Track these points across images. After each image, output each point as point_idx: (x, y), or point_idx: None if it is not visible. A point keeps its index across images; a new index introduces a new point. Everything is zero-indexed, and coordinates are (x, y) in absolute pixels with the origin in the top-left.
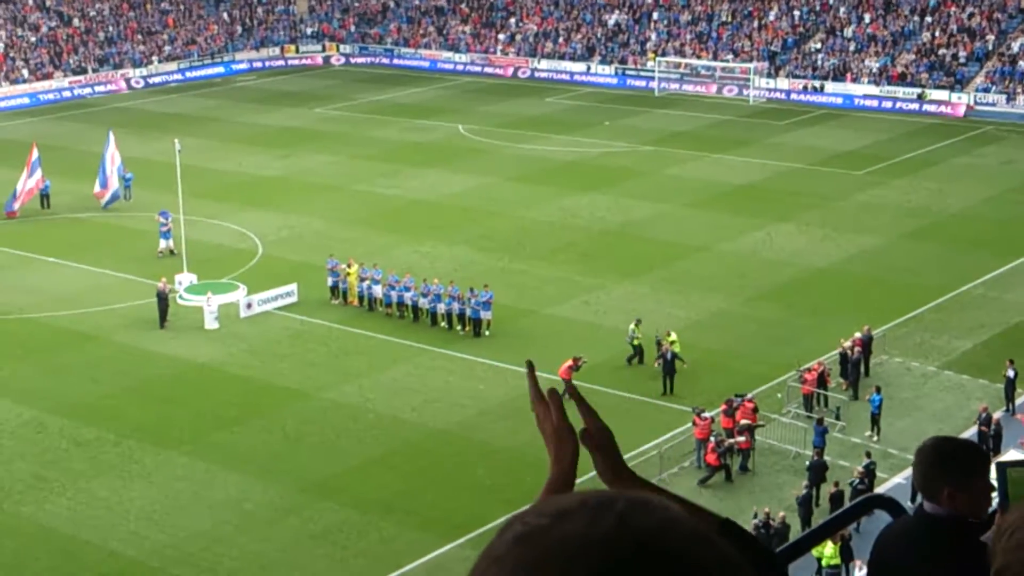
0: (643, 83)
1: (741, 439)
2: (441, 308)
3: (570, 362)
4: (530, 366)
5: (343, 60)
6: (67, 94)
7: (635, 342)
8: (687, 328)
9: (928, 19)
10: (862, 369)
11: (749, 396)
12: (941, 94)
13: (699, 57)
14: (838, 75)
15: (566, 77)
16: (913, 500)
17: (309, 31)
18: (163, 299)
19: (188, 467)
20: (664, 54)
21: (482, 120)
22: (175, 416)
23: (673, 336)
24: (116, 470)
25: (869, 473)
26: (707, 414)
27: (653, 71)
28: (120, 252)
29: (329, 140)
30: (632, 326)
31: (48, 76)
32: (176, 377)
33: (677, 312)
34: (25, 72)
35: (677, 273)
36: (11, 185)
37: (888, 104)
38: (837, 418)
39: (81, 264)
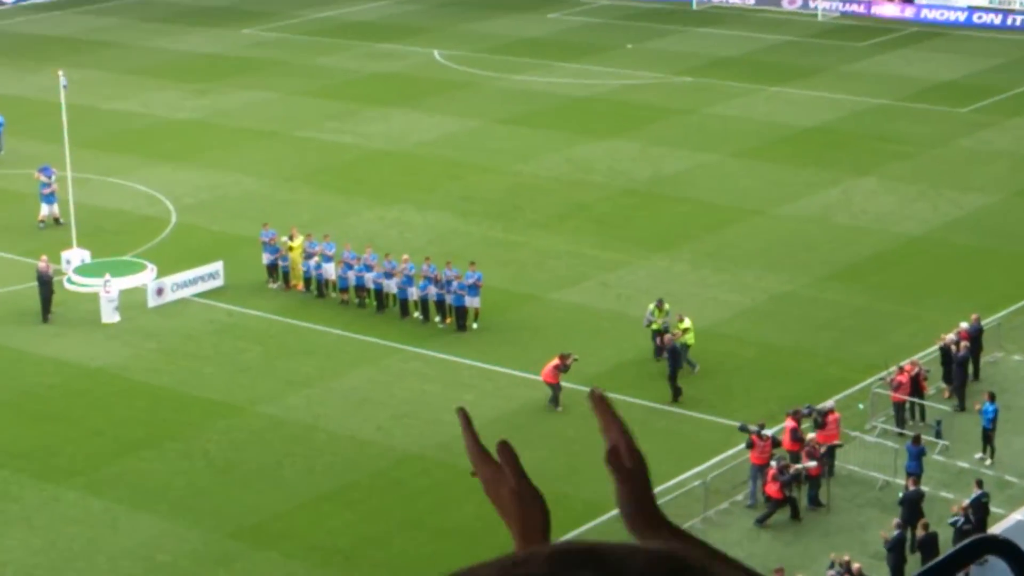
0: None
1: (812, 464)
2: (414, 293)
3: (556, 360)
4: (464, 415)
5: None
6: None
7: (654, 326)
8: (738, 317)
9: None
10: (970, 370)
11: (829, 406)
12: None
13: None
14: None
15: None
16: None
17: None
18: (46, 283)
19: (81, 506)
20: None
21: (464, 43)
22: (63, 438)
23: (687, 323)
24: None
25: (979, 508)
26: (768, 432)
27: None
28: None
29: (262, 71)
30: (652, 307)
31: None
32: (64, 387)
33: (724, 296)
34: None
35: (724, 244)
36: None
37: (999, 19)
38: (938, 435)
39: None
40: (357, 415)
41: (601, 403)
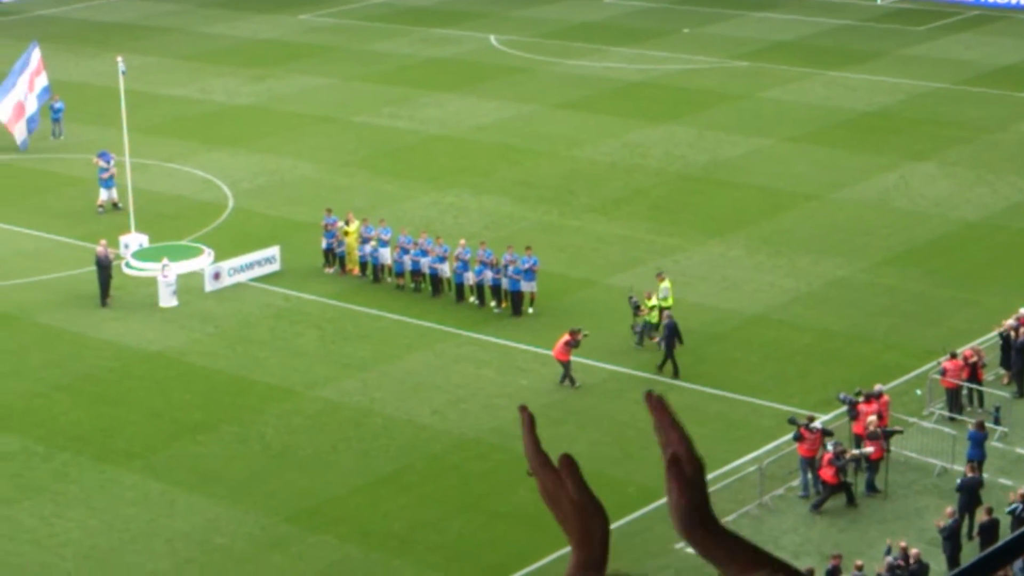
0: None
1: (870, 449)
2: (470, 278)
3: (566, 336)
4: (527, 416)
5: None
6: None
7: (664, 303)
8: (794, 302)
9: None
10: None
11: (879, 389)
12: None
13: None
14: None
15: None
16: None
17: None
18: (104, 268)
19: (140, 488)
20: None
21: (520, 28)
22: (122, 422)
23: (654, 300)
24: (47, 492)
25: None
26: (817, 425)
27: None
28: (48, 205)
29: (318, 57)
30: (664, 284)
31: None
32: (122, 370)
33: (780, 281)
34: None
35: (780, 230)
36: None
37: None
38: (996, 422)
39: None
40: (412, 399)
41: (660, 407)
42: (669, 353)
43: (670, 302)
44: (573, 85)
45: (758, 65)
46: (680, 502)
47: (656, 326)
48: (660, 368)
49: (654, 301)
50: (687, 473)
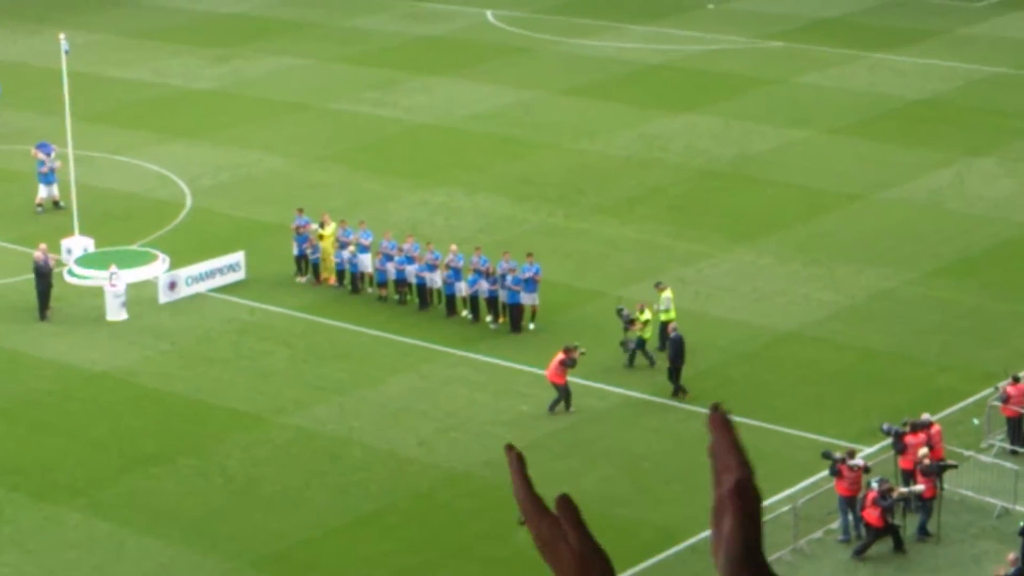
0: None
1: (920, 487)
2: (462, 288)
3: (560, 355)
4: (515, 457)
5: None
6: None
7: (661, 316)
8: (833, 318)
9: None
10: None
11: (928, 419)
12: None
13: None
14: None
15: None
16: None
17: None
18: (44, 275)
19: (84, 529)
20: None
21: (522, 3)
22: (63, 452)
23: (647, 314)
24: None
25: None
26: (858, 461)
27: None
28: None
29: (291, 34)
30: (666, 294)
31: None
32: (64, 393)
33: (817, 293)
34: None
35: (817, 234)
36: None
37: None
38: None
39: None
40: (396, 428)
41: (725, 426)
42: (675, 371)
43: (672, 315)
44: (581, 68)
45: (793, 46)
46: (735, 537)
47: (643, 343)
48: (681, 393)
49: (647, 315)
50: (748, 505)
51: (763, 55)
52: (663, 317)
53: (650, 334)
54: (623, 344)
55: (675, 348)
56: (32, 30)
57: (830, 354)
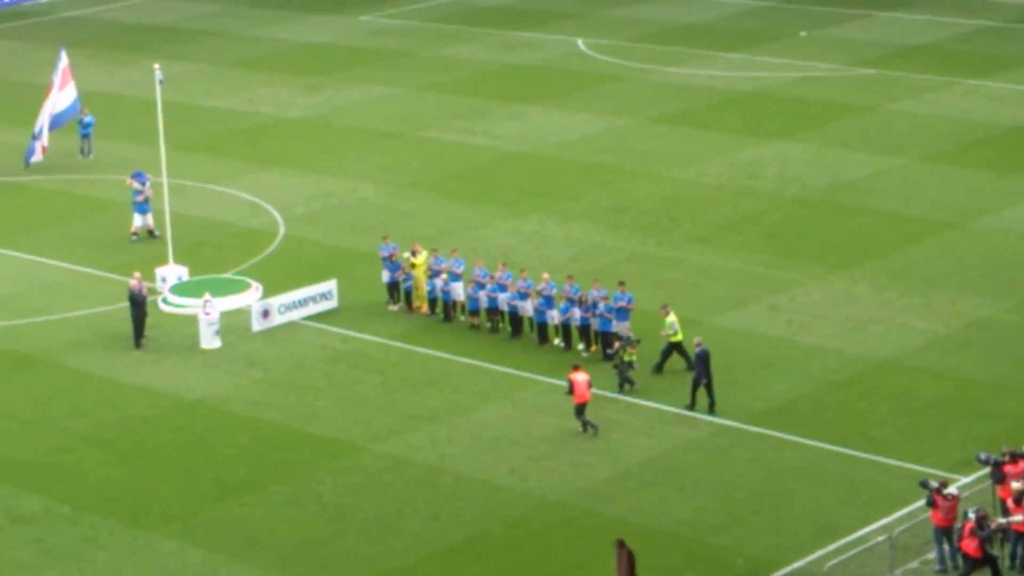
0: None
1: (1018, 517)
2: (554, 317)
3: (586, 375)
4: (627, 557)
5: None
6: None
7: (672, 338)
8: (929, 347)
9: None
10: None
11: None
12: None
13: None
14: None
15: None
16: None
17: None
18: (138, 304)
19: (178, 556)
20: None
21: (613, 31)
22: (158, 480)
23: (672, 318)
24: (73, 559)
25: None
26: (952, 490)
27: None
28: (74, 233)
29: (382, 63)
30: (670, 318)
31: None
32: (159, 421)
33: (913, 322)
34: None
35: (912, 263)
36: None
37: None
38: None
39: (17, 252)
40: (488, 456)
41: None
42: (697, 384)
43: (680, 337)
44: (674, 96)
45: (887, 73)
46: None
47: (631, 364)
48: (711, 408)
49: (672, 318)
50: None
51: (856, 82)
52: (672, 340)
53: (681, 336)
54: (618, 369)
55: (700, 362)
56: (127, 61)
57: (926, 383)
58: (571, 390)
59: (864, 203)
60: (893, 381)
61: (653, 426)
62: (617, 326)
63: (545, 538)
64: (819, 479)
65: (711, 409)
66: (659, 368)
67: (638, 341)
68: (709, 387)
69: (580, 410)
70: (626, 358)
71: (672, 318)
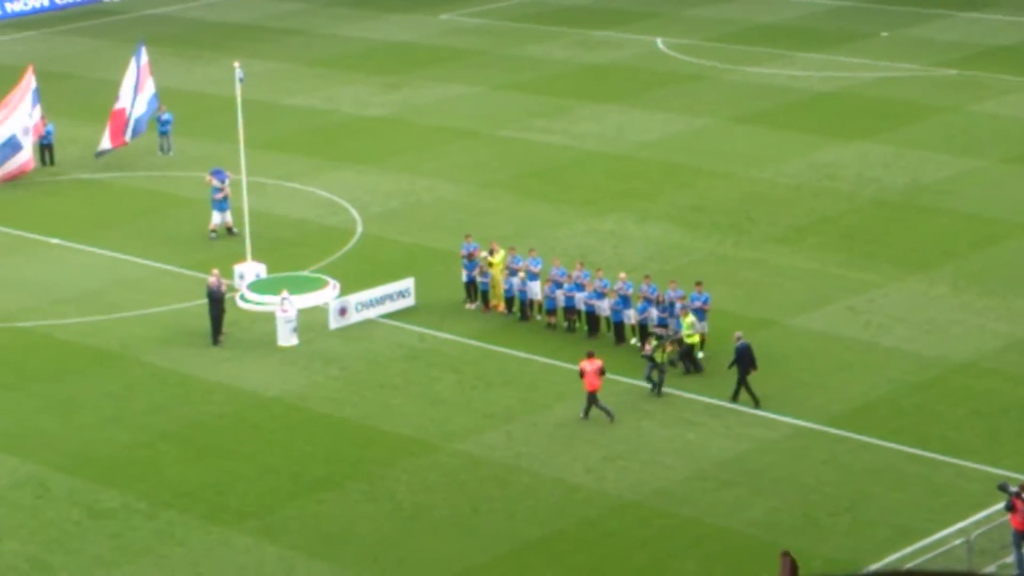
0: None
1: None
2: (631, 316)
3: (599, 362)
4: (791, 564)
5: None
6: None
7: (689, 339)
8: (1009, 349)
9: None
10: None
11: None
12: None
13: None
14: None
15: None
16: None
17: None
18: (216, 301)
19: (254, 552)
20: None
21: (693, 30)
22: (234, 476)
23: (692, 319)
24: (150, 555)
25: None
26: None
27: None
28: (154, 230)
29: (462, 62)
30: (689, 319)
31: None
32: (235, 417)
33: (993, 324)
34: None
35: (993, 264)
36: None
37: None
38: None
39: (97, 248)
40: (564, 455)
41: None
42: (743, 379)
43: (696, 338)
44: (752, 96)
45: (969, 74)
46: None
47: (657, 364)
48: (734, 397)
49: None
50: None
51: (937, 83)
52: (688, 341)
53: (662, 357)
54: (652, 369)
55: (739, 356)
56: (208, 59)
57: (1006, 386)
58: (582, 377)
59: (944, 204)
60: (972, 384)
61: (730, 427)
62: (696, 326)
63: (620, 538)
64: (896, 481)
65: (755, 403)
66: (688, 368)
67: (677, 342)
68: (744, 380)
69: (591, 398)
70: (658, 358)
71: (691, 319)
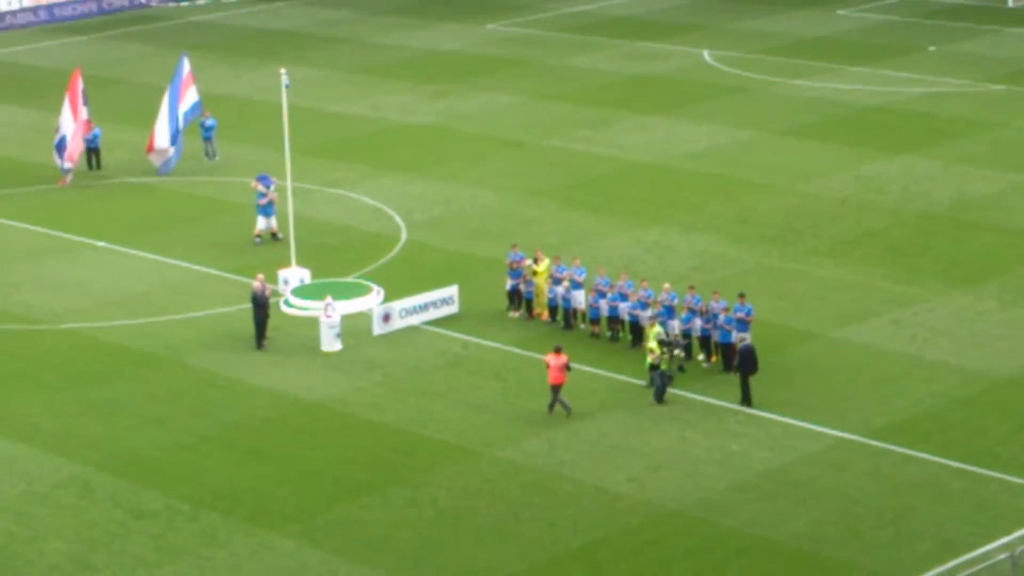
0: None
1: None
2: (675, 327)
3: (564, 358)
4: None
5: None
6: (124, 2)
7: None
8: None
9: None
10: None
11: None
12: None
13: None
14: None
15: None
16: None
17: None
18: (261, 305)
19: (296, 556)
20: None
21: (739, 43)
22: (277, 480)
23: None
24: (192, 557)
25: None
26: None
27: None
28: (199, 234)
29: (507, 72)
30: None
31: None
32: (278, 422)
33: None
34: None
35: None
36: (46, 135)
37: None
38: None
39: (143, 252)
40: (606, 464)
41: None
42: (744, 380)
43: (658, 351)
44: (799, 109)
45: (1017, 89)
46: None
47: (659, 370)
48: (744, 400)
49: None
50: None
51: (985, 98)
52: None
53: (667, 364)
54: (656, 377)
55: (742, 357)
56: (254, 65)
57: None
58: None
59: (991, 219)
60: (1018, 398)
61: (774, 438)
62: (735, 336)
63: (662, 547)
64: (941, 495)
65: (746, 403)
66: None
67: (682, 348)
68: (746, 382)
69: (554, 391)
70: (664, 366)
71: (659, 329)
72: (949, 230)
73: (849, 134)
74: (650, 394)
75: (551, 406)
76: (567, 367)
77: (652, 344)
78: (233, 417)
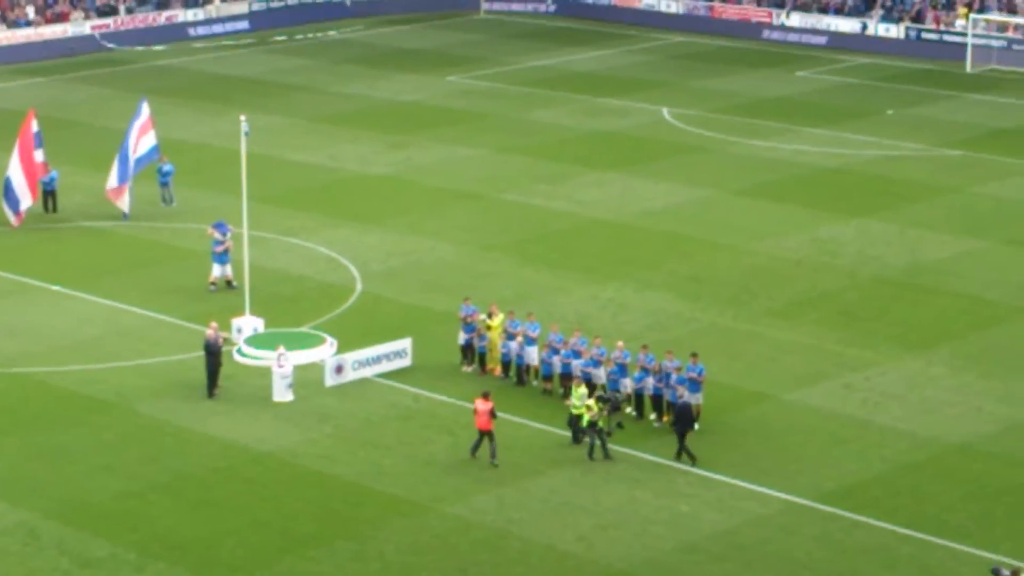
0: (948, 52)
1: None
2: (627, 385)
3: (489, 404)
4: None
5: (492, 3)
6: (87, 43)
7: (576, 410)
8: (1007, 433)
9: None
10: None
11: None
12: None
13: None
14: None
15: (825, 40)
16: None
17: None
18: (213, 353)
19: None
20: (984, 10)
21: (698, 101)
22: (225, 530)
23: (583, 390)
24: None
25: None
26: None
27: (964, 33)
28: (153, 281)
29: (467, 124)
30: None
31: (62, 17)
32: (228, 471)
33: (991, 407)
34: (31, 11)
35: (993, 346)
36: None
37: None
38: None
39: (96, 296)
40: (555, 522)
41: None
42: (681, 438)
43: (583, 411)
44: (756, 169)
45: (973, 155)
46: None
47: (596, 427)
48: (678, 456)
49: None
50: None
51: (941, 163)
52: (574, 412)
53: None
54: (601, 430)
55: (681, 415)
56: (214, 111)
57: (1002, 469)
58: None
59: (944, 284)
60: (967, 466)
61: (724, 500)
62: (690, 397)
63: None
64: (889, 561)
65: (678, 456)
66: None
67: (616, 405)
68: (682, 440)
69: (481, 435)
70: (602, 423)
71: (583, 390)
72: (903, 294)
73: (806, 195)
74: (583, 451)
75: (474, 448)
76: (492, 414)
77: (590, 401)
78: (182, 466)
